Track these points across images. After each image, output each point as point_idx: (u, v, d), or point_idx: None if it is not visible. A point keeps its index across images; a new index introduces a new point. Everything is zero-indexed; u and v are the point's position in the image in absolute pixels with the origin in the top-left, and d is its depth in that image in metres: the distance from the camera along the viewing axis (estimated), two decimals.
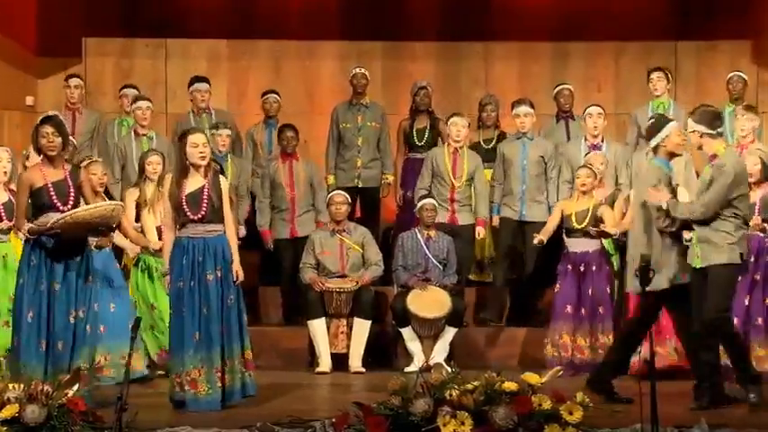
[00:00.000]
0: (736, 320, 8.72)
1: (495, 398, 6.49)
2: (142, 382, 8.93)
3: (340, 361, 9.89)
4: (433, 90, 11.42)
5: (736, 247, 7.52)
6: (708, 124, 7.63)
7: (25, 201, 7.68)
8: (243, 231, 10.66)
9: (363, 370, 9.80)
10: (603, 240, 9.83)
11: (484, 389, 6.52)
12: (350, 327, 9.93)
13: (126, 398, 6.31)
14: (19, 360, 7.56)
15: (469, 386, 6.55)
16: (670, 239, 7.71)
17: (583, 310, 9.68)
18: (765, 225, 9.03)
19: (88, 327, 7.60)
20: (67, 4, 12.36)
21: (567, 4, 12.53)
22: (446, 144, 10.63)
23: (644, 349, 8.53)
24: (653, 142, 7.87)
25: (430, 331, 9.87)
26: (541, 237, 9.82)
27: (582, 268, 9.73)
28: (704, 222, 7.55)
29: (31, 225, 7.59)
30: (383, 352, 10.16)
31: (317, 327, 9.87)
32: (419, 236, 10.19)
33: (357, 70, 11.39)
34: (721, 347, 7.78)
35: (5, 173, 8.96)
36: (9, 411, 6.62)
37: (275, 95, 11.54)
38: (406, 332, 9.88)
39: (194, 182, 7.76)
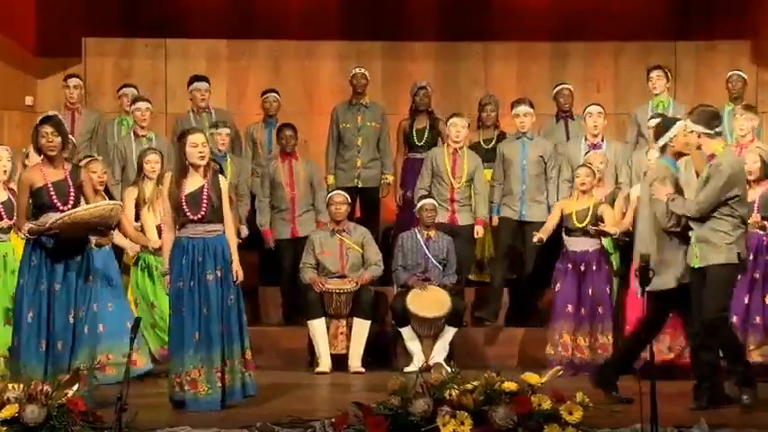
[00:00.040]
0: (735, 319, 8.74)
1: (495, 398, 6.49)
2: (148, 376, 8.97)
3: (340, 361, 9.89)
4: (432, 90, 11.42)
5: (734, 247, 7.52)
6: (706, 124, 7.63)
7: (25, 201, 7.68)
8: (245, 231, 10.67)
9: (363, 370, 9.80)
10: (603, 239, 9.84)
11: (483, 389, 6.52)
12: (349, 327, 9.93)
13: (126, 398, 6.31)
14: (19, 360, 7.56)
15: (469, 386, 6.55)
16: (677, 239, 7.71)
17: (583, 310, 9.68)
18: (765, 223, 9.03)
19: (86, 327, 7.60)
20: (67, 4, 12.36)
21: (566, 3, 12.53)
22: (446, 144, 10.63)
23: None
24: (660, 142, 7.88)
25: (429, 331, 9.87)
26: (541, 235, 9.82)
27: (582, 268, 9.73)
28: (702, 222, 7.56)
29: (30, 225, 7.59)
30: (383, 352, 10.16)
31: (317, 327, 9.87)
32: (419, 236, 10.19)
33: (357, 70, 11.39)
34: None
35: (5, 172, 8.96)
36: (9, 411, 6.62)
37: (275, 94, 11.54)
38: (406, 332, 9.89)
39: (194, 182, 7.76)
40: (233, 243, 7.90)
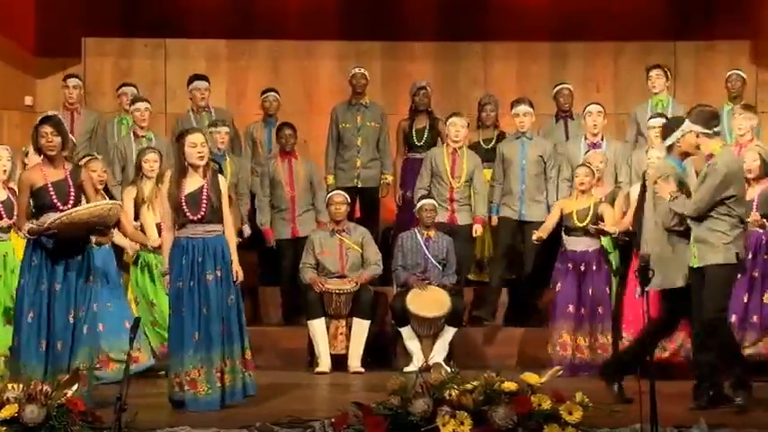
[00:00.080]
0: (734, 318, 8.74)
1: (495, 398, 6.48)
2: (148, 376, 8.99)
3: (339, 361, 9.89)
4: (432, 90, 11.42)
5: (732, 247, 7.52)
6: (704, 124, 7.63)
7: (26, 201, 7.68)
8: (248, 230, 10.68)
9: (362, 370, 9.80)
10: (602, 239, 9.84)
11: (483, 389, 6.52)
12: (349, 327, 9.93)
13: (125, 398, 6.31)
14: (19, 360, 7.56)
15: (469, 386, 6.55)
16: (683, 238, 7.72)
17: (583, 310, 9.69)
18: (764, 221, 9.04)
19: (86, 327, 7.60)
20: (67, 4, 12.36)
21: (566, 3, 12.53)
22: (445, 144, 10.63)
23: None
24: (668, 142, 7.88)
25: (429, 331, 9.87)
26: (540, 234, 9.82)
27: (582, 268, 9.73)
28: (700, 222, 7.56)
29: (30, 225, 7.59)
30: (382, 352, 10.17)
31: (317, 327, 9.87)
32: (419, 236, 10.19)
33: (357, 70, 11.39)
34: None
35: (5, 171, 8.96)
36: (8, 411, 6.62)
37: (275, 94, 11.54)
38: (406, 331, 9.89)
39: (193, 182, 7.76)
40: (232, 243, 7.90)
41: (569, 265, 9.75)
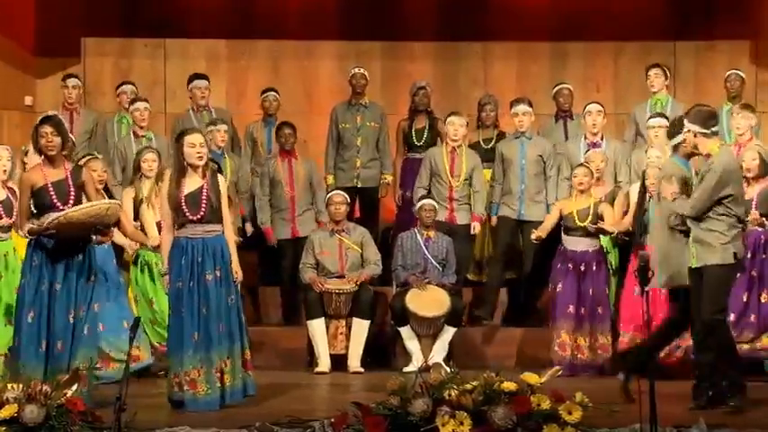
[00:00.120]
0: (732, 317, 8.73)
1: (494, 398, 6.48)
2: (147, 376, 9.00)
3: (339, 361, 9.89)
4: (431, 90, 11.42)
5: (730, 247, 7.52)
6: (702, 124, 7.63)
7: (26, 201, 7.68)
8: (250, 228, 10.68)
9: (362, 370, 9.80)
10: (602, 238, 9.84)
11: (483, 389, 6.52)
12: (349, 327, 9.93)
13: (125, 398, 6.31)
14: (19, 360, 7.56)
15: (468, 386, 6.55)
16: (689, 237, 7.72)
17: (583, 310, 9.69)
18: (763, 219, 9.03)
19: (87, 327, 7.60)
20: (66, 4, 12.35)
21: (565, 3, 12.52)
22: (444, 143, 10.63)
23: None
24: (674, 141, 7.89)
25: (429, 330, 9.87)
26: (539, 233, 9.82)
27: (582, 268, 9.73)
28: (698, 222, 7.56)
29: (30, 225, 7.60)
30: (382, 352, 10.17)
31: (317, 327, 9.87)
32: (418, 236, 10.19)
33: (356, 70, 11.39)
34: None
35: (5, 171, 8.96)
36: (8, 411, 6.61)
37: (275, 94, 11.54)
38: (405, 331, 9.89)
39: (193, 182, 7.76)
40: (232, 243, 7.90)
41: (569, 265, 9.75)
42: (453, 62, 12.62)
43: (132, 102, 10.97)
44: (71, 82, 11.40)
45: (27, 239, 7.75)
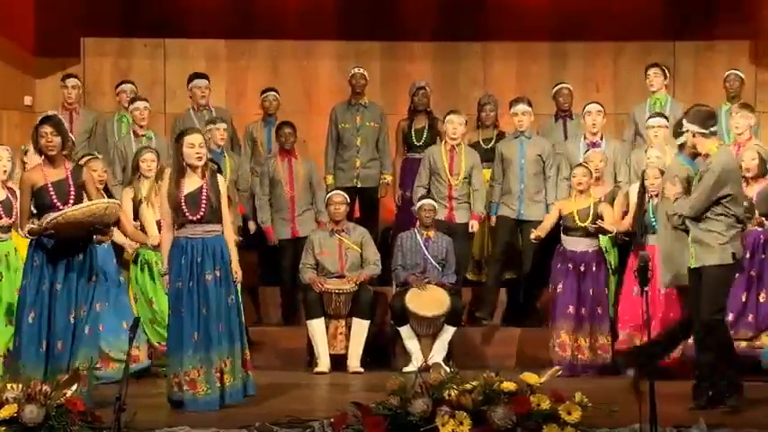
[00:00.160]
0: (731, 317, 8.73)
1: (494, 398, 6.48)
2: (147, 376, 9.00)
3: (339, 361, 9.89)
4: (431, 90, 11.42)
5: (729, 247, 7.52)
6: (701, 124, 7.63)
7: (27, 201, 7.69)
8: (254, 226, 10.68)
9: (362, 370, 9.80)
10: (601, 238, 9.84)
11: (482, 389, 6.52)
12: (348, 327, 9.93)
13: (124, 398, 6.31)
14: (19, 360, 7.56)
15: (468, 386, 6.55)
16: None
17: (583, 310, 9.68)
18: (762, 219, 9.03)
19: (88, 327, 7.60)
20: (66, 4, 12.35)
21: (565, 3, 12.52)
22: (443, 142, 10.63)
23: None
24: (679, 140, 7.89)
25: (428, 330, 9.87)
26: (539, 233, 9.82)
27: (582, 268, 9.73)
28: (697, 222, 7.56)
29: (31, 226, 7.60)
30: (382, 352, 10.16)
31: (316, 327, 9.87)
32: (418, 236, 10.19)
33: (356, 70, 11.39)
34: None
35: (5, 171, 8.96)
36: (8, 411, 6.61)
37: (274, 93, 11.53)
38: (405, 331, 9.88)
39: (192, 182, 7.76)
40: (231, 243, 7.89)
41: (569, 265, 9.75)
42: (453, 62, 12.62)
43: (132, 101, 10.97)
44: (70, 82, 11.40)
45: (28, 240, 7.75)
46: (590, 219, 9.73)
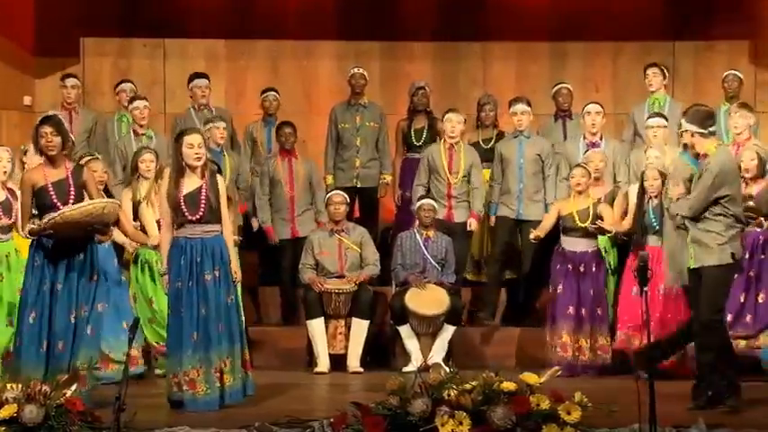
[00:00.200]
0: (729, 317, 8.72)
1: (494, 398, 6.48)
2: (145, 376, 8.96)
3: (338, 361, 9.89)
4: (431, 90, 11.42)
5: (728, 248, 7.52)
6: (699, 124, 7.63)
7: (28, 202, 7.69)
8: (256, 223, 10.68)
9: (361, 370, 9.80)
10: (600, 238, 9.84)
11: (482, 389, 6.52)
12: (348, 327, 9.93)
13: (124, 398, 6.31)
14: (19, 360, 7.56)
15: (468, 386, 6.55)
16: None
17: (583, 311, 9.67)
18: (761, 220, 9.03)
19: (90, 327, 7.60)
20: (66, 4, 12.34)
21: (565, 3, 12.52)
22: (442, 140, 10.62)
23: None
24: (684, 140, 7.89)
25: (428, 329, 9.87)
26: (538, 233, 9.82)
27: (582, 269, 9.72)
28: (695, 222, 7.56)
29: (31, 226, 7.60)
30: (381, 352, 10.16)
31: (316, 327, 9.87)
32: (417, 236, 10.19)
33: (356, 70, 11.39)
34: None
35: (5, 172, 8.96)
36: (7, 411, 6.61)
37: (274, 93, 11.53)
38: (404, 330, 9.88)
39: (191, 182, 7.76)
40: (231, 243, 7.89)
41: (569, 266, 9.74)
42: (452, 62, 12.62)
43: (131, 100, 10.97)
44: (70, 82, 11.39)
45: (30, 240, 7.75)
46: (590, 219, 9.73)
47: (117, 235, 9.25)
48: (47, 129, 7.63)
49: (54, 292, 7.56)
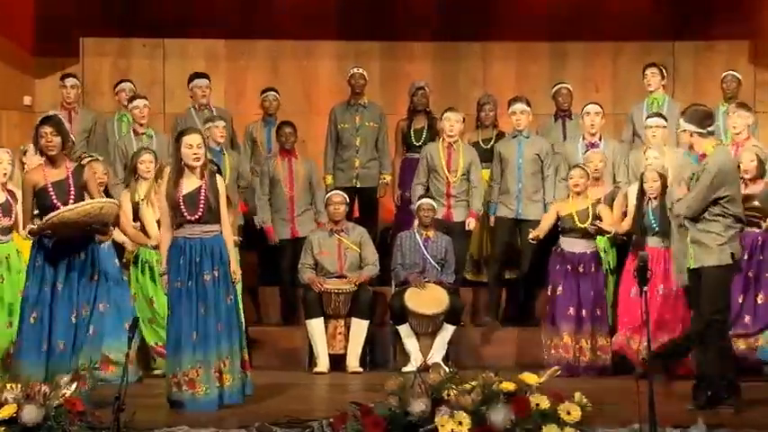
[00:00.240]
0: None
1: (493, 398, 6.48)
2: (137, 382, 8.97)
3: (338, 361, 9.89)
4: (430, 90, 11.42)
5: (727, 248, 7.51)
6: (698, 123, 7.62)
7: (29, 202, 7.69)
8: (259, 221, 10.69)
9: (361, 370, 9.80)
10: (599, 238, 9.84)
11: (482, 389, 6.52)
12: (348, 327, 9.93)
13: (123, 398, 6.31)
14: (20, 360, 7.56)
15: (467, 386, 6.55)
16: None
17: (584, 312, 9.67)
18: (759, 220, 9.02)
19: (92, 327, 7.59)
20: (65, 4, 12.35)
21: (565, 3, 12.53)
22: (441, 139, 10.62)
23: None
24: (683, 140, 7.89)
25: (428, 328, 9.87)
26: (537, 233, 9.81)
27: (581, 269, 9.72)
28: (694, 222, 7.56)
29: (31, 226, 7.60)
30: (381, 352, 10.16)
31: (315, 327, 9.87)
32: (417, 236, 10.19)
33: (355, 70, 11.39)
34: None
35: (5, 174, 8.95)
36: (7, 411, 6.61)
37: (274, 93, 11.53)
38: (404, 329, 9.88)
39: (191, 182, 7.76)
40: (230, 243, 7.89)
41: (568, 266, 9.74)
42: (452, 62, 12.63)
43: (131, 99, 10.97)
44: (69, 81, 11.39)
45: (31, 241, 7.75)
46: (589, 220, 9.73)
47: (117, 234, 9.24)
48: (47, 129, 7.63)
49: (55, 292, 7.56)
